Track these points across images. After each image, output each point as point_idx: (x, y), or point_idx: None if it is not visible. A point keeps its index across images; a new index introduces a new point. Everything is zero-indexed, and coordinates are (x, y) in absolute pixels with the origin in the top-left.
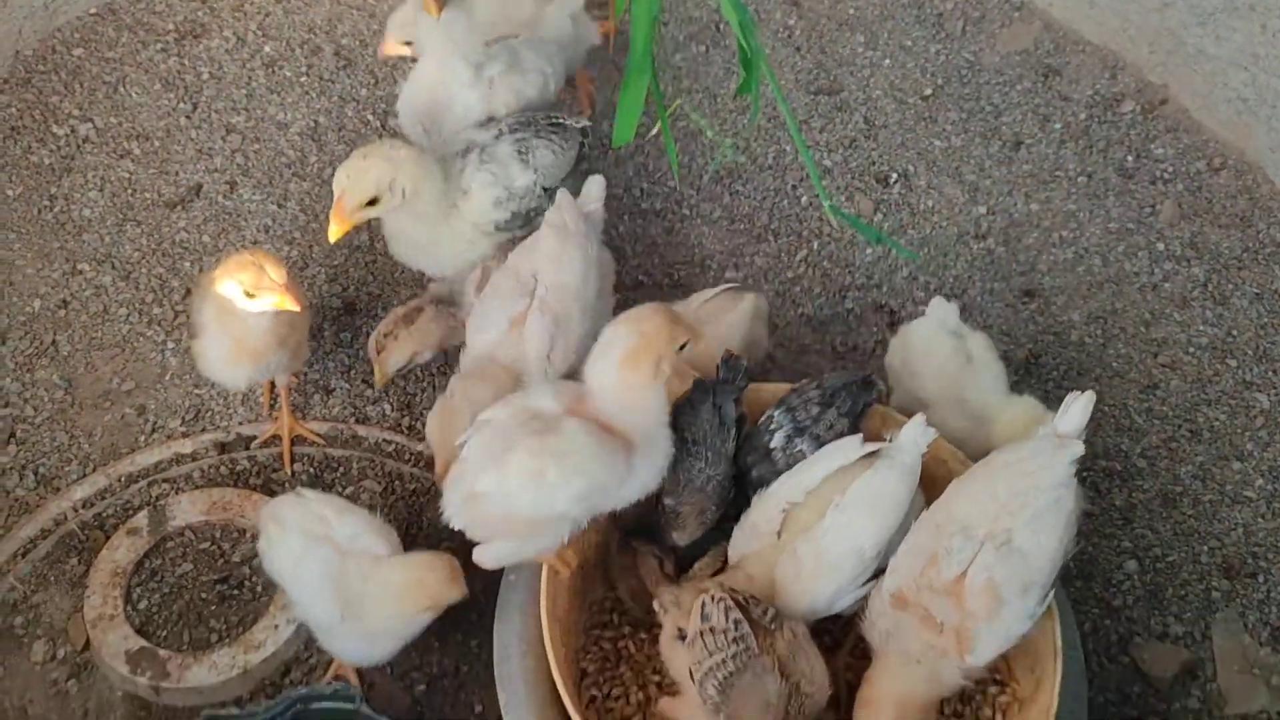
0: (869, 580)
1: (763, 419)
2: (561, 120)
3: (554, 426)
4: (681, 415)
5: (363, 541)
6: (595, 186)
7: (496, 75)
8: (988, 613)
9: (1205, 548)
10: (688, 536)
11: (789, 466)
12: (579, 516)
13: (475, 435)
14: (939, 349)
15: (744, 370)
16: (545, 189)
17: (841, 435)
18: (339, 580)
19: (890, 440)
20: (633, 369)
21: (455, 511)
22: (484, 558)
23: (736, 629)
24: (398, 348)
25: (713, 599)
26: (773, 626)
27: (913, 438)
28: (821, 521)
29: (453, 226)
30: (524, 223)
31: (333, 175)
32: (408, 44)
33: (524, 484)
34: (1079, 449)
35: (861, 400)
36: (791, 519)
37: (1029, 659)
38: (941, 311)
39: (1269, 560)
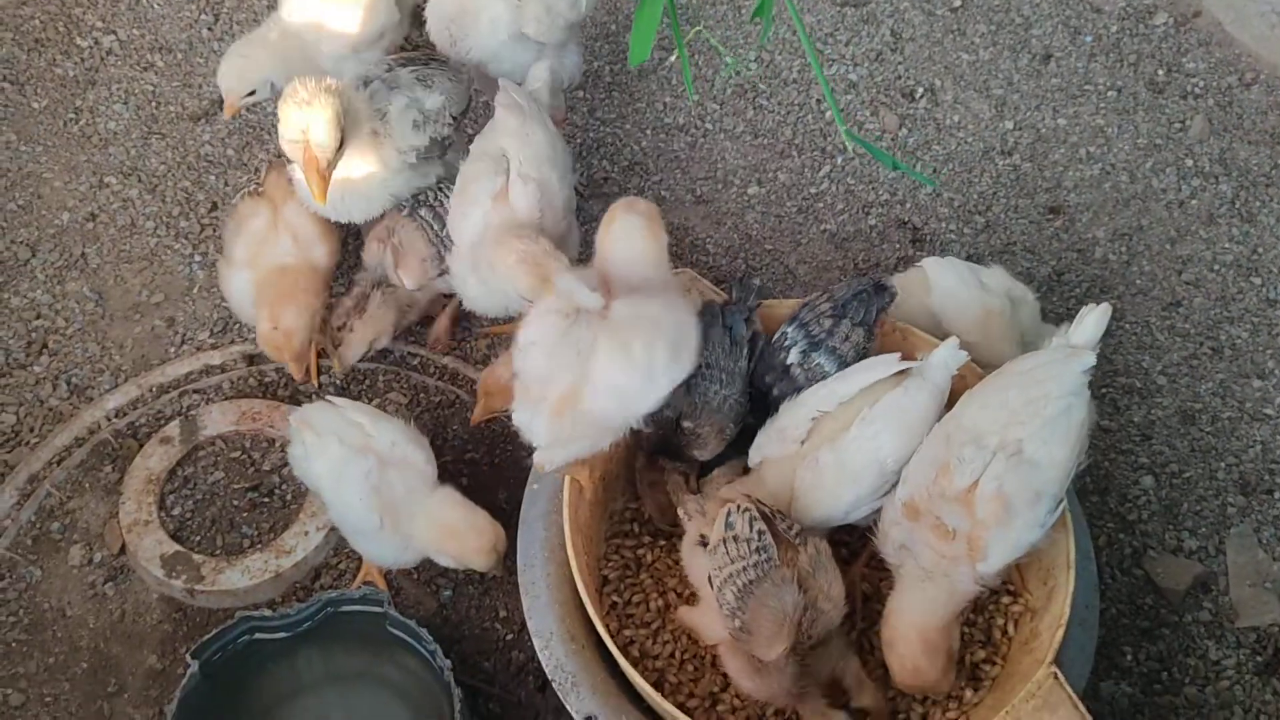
0: (885, 494)
1: (776, 335)
2: (444, 58)
3: (631, 312)
4: None
5: (401, 450)
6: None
7: None
8: (998, 521)
9: (1222, 464)
10: (710, 453)
11: (809, 382)
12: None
13: (529, 355)
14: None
15: (755, 290)
16: (453, 116)
17: (859, 345)
18: (380, 488)
19: (920, 359)
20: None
21: (538, 427)
22: (551, 459)
23: (760, 539)
24: (354, 339)
25: (738, 508)
26: (796, 541)
27: (944, 359)
28: (847, 431)
29: (380, 155)
30: (441, 151)
31: None
32: None
33: (631, 371)
34: (1090, 359)
35: (875, 306)
36: (817, 428)
37: (1042, 570)
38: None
39: None
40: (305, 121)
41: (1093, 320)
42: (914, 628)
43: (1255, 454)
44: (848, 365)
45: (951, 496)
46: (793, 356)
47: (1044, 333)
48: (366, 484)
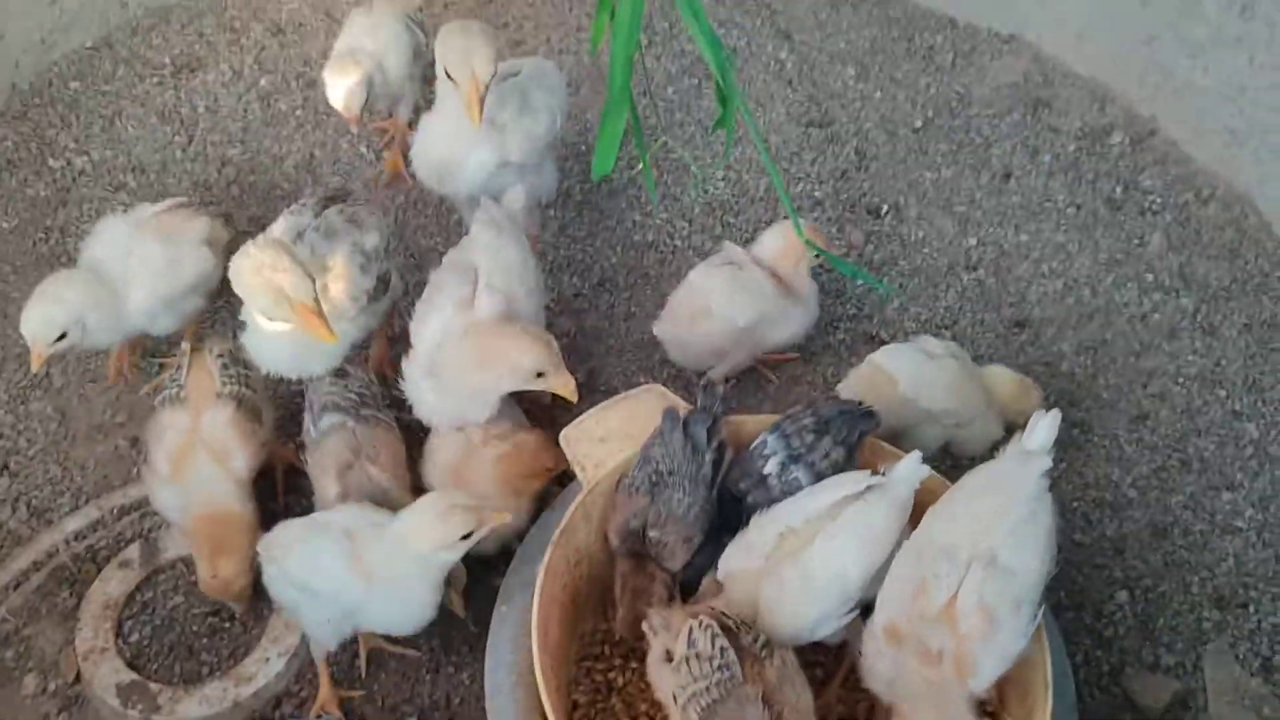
0: (851, 611)
1: (755, 443)
2: (352, 193)
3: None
4: (653, 448)
5: (365, 518)
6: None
7: (509, 120)
8: (982, 634)
9: (1196, 578)
10: (679, 563)
11: (785, 494)
12: None
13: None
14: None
15: (719, 397)
16: (386, 250)
17: (837, 464)
18: (351, 557)
19: (884, 473)
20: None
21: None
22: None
23: (722, 656)
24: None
25: (700, 624)
26: (763, 654)
27: (907, 473)
28: (810, 546)
29: (334, 307)
30: (385, 288)
31: None
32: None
33: None
34: (1047, 461)
35: (859, 429)
36: (781, 543)
37: (1020, 689)
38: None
39: (1260, 591)
40: (279, 282)
41: (1045, 426)
42: None
43: (1229, 567)
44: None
45: (932, 616)
46: (770, 466)
47: (989, 375)
48: (337, 556)
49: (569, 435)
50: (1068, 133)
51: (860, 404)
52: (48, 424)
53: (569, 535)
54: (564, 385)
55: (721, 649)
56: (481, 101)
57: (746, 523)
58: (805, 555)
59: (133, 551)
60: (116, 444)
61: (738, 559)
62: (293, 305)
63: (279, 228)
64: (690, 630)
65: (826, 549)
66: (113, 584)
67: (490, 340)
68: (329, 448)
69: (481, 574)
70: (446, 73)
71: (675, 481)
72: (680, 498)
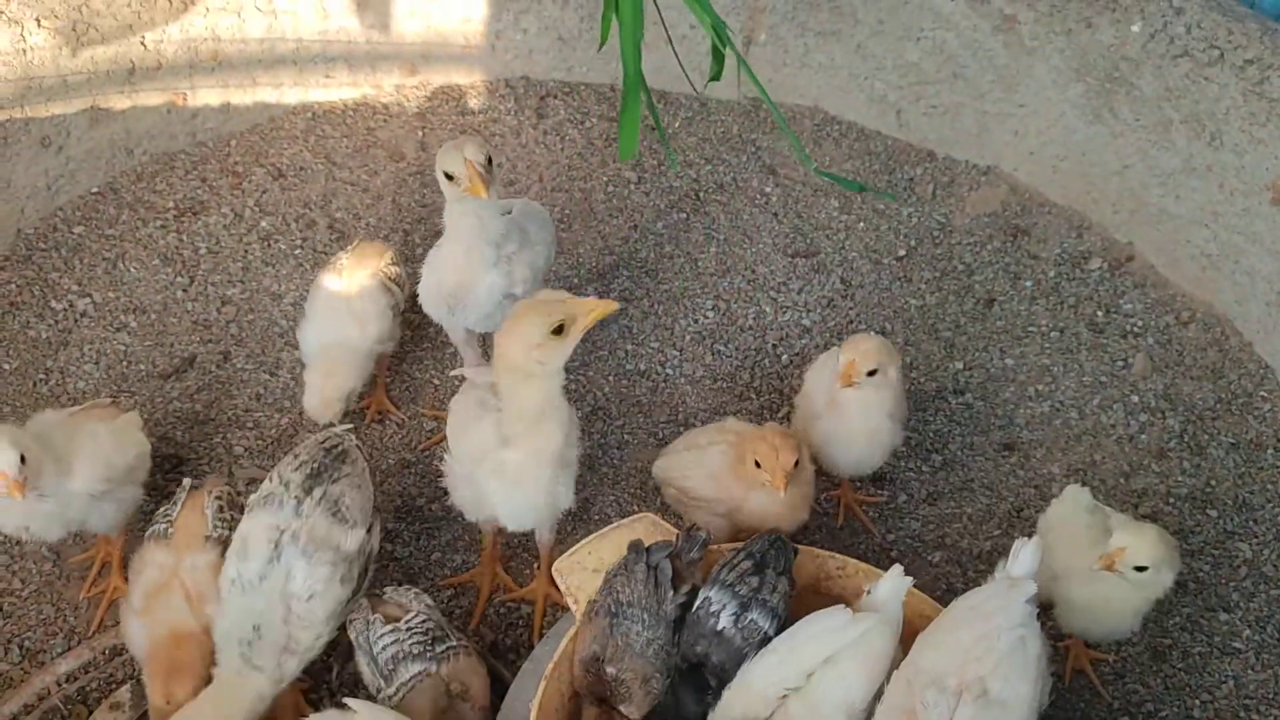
0: None
1: (698, 604)
2: (339, 443)
3: None
4: (616, 578)
5: None
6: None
7: (513, 252)
8: None
9: (1197, 701)
10: (638, 711)
11: (747, 642)
12: None
13: None
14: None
15: (701, 542)
16: (369, 530)
17: (786, 594)
18: None
19: (869, 592)
20: None
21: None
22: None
23: None
24: None
25: None
26: None
27: (892, 590)
28: (812, 679)
29: (299, 639)
30: (363, 583)
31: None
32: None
33: None
34: (1032, 587)
35: (789, 551)
36: (784, 703)
37: None
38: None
39: (1260, 713)
40: None
41: (1028, 553)
42: None
43: (1229, 689)
44: (781, 618)
45: None
46: (724, 620)
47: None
48: None
49: (561, 567)
50: (1047, 259)
51: (771, 532)
52: (41, 564)
53: (562, 669)
54: None
55: None
56: (484, 180)
57: (713, 685)
58: (808, 688)
59: (124, 694)
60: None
61: (738, 705)
62: None
63: (258, 528)
64: None
65: (830, 677)
66: None
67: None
68: (419, 704)
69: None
70: (446, 174)
71: (633, 614)
72: (639, 630)
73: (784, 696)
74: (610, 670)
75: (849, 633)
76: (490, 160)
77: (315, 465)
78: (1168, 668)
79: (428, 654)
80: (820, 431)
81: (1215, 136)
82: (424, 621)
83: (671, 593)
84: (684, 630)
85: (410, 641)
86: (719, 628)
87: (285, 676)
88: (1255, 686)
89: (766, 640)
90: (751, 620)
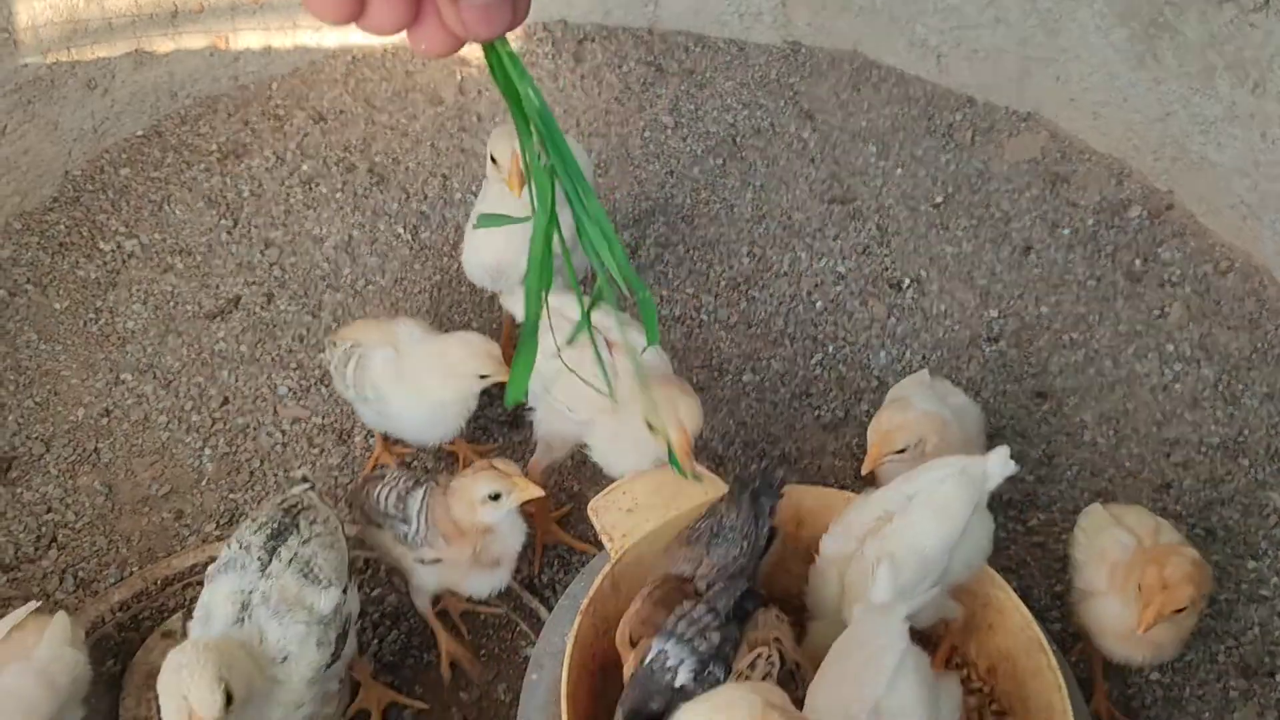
0: (933, 586)
1: (650, 657)
2: (299, 502)
3: None
4: (721, 504)
5: None
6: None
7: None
8: None
9: (1222, 647)
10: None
11: None
12: None
13: None
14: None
15: (781, 480)
16: (345, 590)
17: (736, 642)
18: None
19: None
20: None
21: None
22: None
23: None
24: None
25: (765, 657)
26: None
27: (995, 466)
28: (888, 524)
29: (279, 699)
30: (343, 643)
31: (365, 286)
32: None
33: None
34: (902, 610)
35: (746, 601)
36: (878, 525)
37: None
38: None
39: None
40: (184, 687)
41: (884, 577)
42: None
43: (1254, 636)
44: (730, 666)
45: None
46: (683, 677)
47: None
48: None
49: (596, 506)
50: (1086, 207)
51: (746, 586)
52: (95, 497)
53: (597, 604)
54: None
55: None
56: (522, 177)
57: None
58: (885, 531)
59: (176, 622)
60: (161, 516)
61: (836, 543)
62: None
63: (220, 594)
64: (755, 656)
65: (905, 524)
66: (156, 654)
67: None
68: (440, 515)
69: (511, 642)
70: (492, 157)
71: (733, 538)
72: (735, 554)
73: (879, 518)
74: (700, 586)
75: (929, 475)
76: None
77: (275, 525)
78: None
79: (420, 479)
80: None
81: (1259, 84)
82: (400, 471)
83: (767, 525)
84: (632, 686)
85: (400, 480)
86: (678, 684)
87: None
88: None
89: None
90: (712, 675)
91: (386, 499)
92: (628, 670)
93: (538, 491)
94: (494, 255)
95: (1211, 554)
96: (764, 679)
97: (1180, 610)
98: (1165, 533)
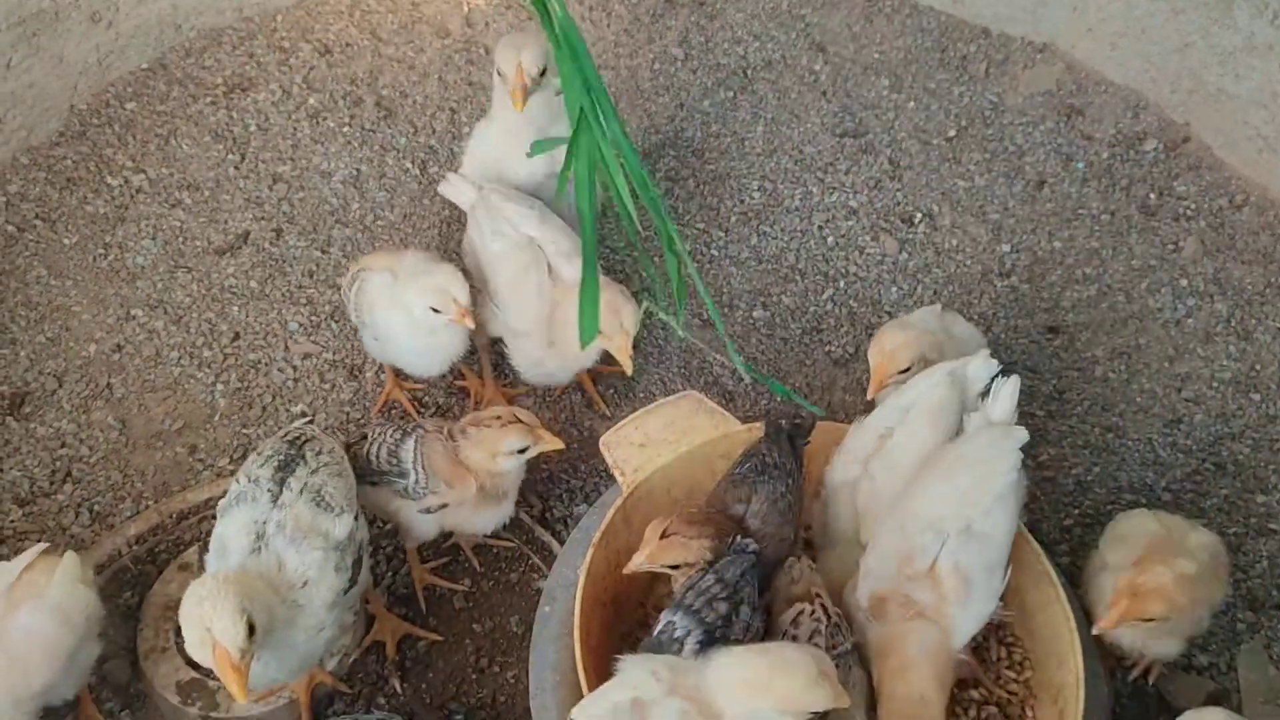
0: None
1: (660, 626)
2: (302, 434)
3: None
4: (763, 444)
5: None
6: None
7: (560, 133)
8: (959, 596)
9: (1231, 580)
10: (772, 554)
11: None
12: None
13: None
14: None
15: (812, 426)
16: (356, 518)
17: (757, 632)
18: None
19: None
20: None
21: None
22: None
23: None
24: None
25: (809, 613)
26: (836, 661)
27: (977, 370)
28: (890, 439)
29: (303, 622)
30: (359, 569)
31: (374, 221)
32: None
33: None
34: (1024, 433)
35: (758, 575)
36: (881, 444)
37: (1052, 690)
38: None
39: None
40: (206, 619)
41: (1006, 394)
42: (925, 655)
43: (1262, 569)
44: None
45: (916, 577)
46: (688, 650)
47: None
48: None
49: (608, 440)
50: (1101, 140)
51: (750, 550)
52: (109, 432)
53: (609, 538)
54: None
55: (814, 645)
56: (525, 91)
57: None
58: (887, 447)
59: (192, 555)
60: (175, 451)
61: (841, 470)
62: (215, 651)
63: (234, 526)
64: (799, 613)
65: (904, 434)
66: (173, 585)
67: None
68: (437, 460)
69: (523, 575)
70: (498, 70)
71: (778, 475)
72: (781, 490)
73: (881, 436)
74: (753, 524)
75: (920, 385)
76: (545, 70)
77: (281, 458)
78: None
79: (407, 429)
80: None
81: (1278, 14)
82: (385, 424)
83: (802, 464)
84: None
85: (387, 434)
86: (684, 656)
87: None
88: None
89: None
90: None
91: (378, 455)
92: (637, 558)
93: (559, 444)
94: (496, 158)
95: (1220, 489)
96: (811, 637)
97: (1148, 620)
98: (1195, 536)
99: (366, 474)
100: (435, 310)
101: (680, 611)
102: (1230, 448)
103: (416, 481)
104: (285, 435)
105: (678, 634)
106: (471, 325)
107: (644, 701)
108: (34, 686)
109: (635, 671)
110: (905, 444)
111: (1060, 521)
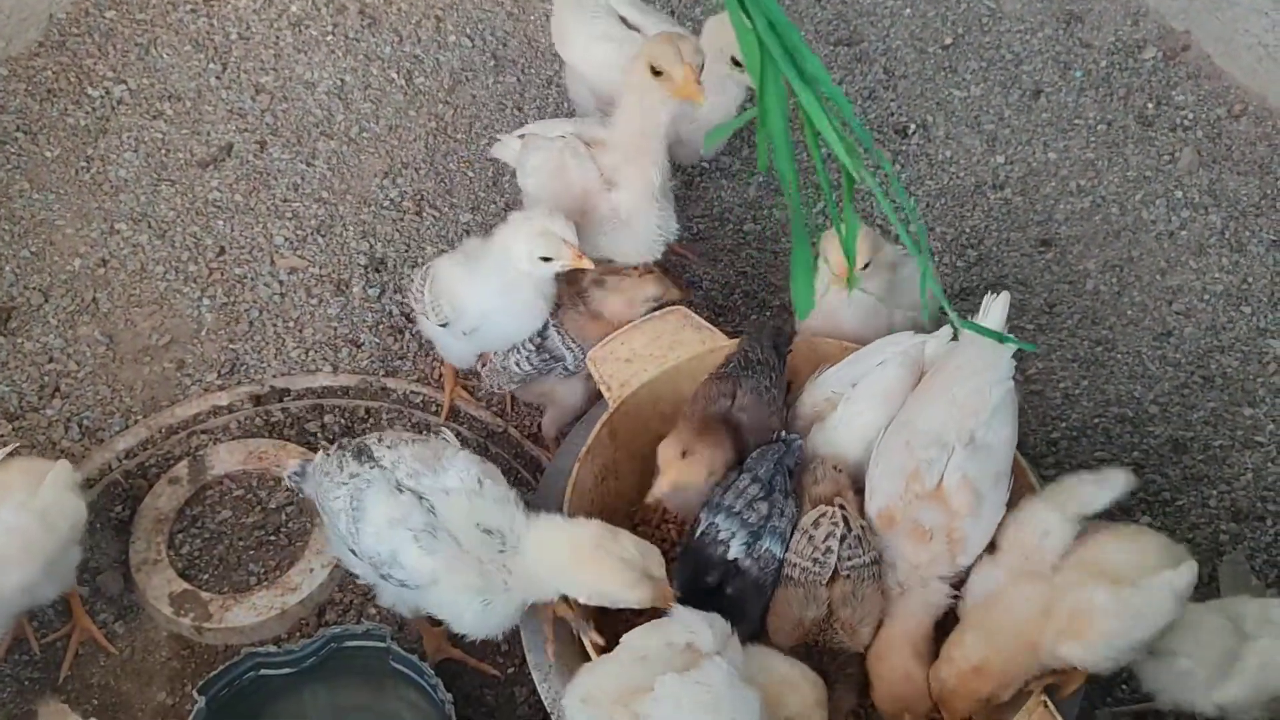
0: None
1: (702, 529)
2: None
3: None
4: (746, 341)
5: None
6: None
7: None
8: (970, 509)
9: (1215, 492)
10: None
11: (764, 572)
12: None
13: None
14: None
15: (790, 336)
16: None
17: (792, 516)
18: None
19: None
20: None
21: None
22: None
23: (825, 555)
24: None
25: (829, 516)
26: (846, 573)
27: (935, 345)
28: (830, 417)
29: None
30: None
31: (359, 133)
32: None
33: None
34: (1013, 345)
35: (790, 463)
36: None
37: None
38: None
39: (1278, 504)
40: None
41: (997, 307)
42: (904, 637)
43: (1247, 481)
44: (787, 540)
45: (924, 495)
46: (735, 550)
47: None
48: None
49: (595, 356)
50: (1100, 48)
51: (783, 440)
52: (96, 347)
53: (595, 453)
54: None
55: (828, 549)
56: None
57: (736, 610)
58: (831, 420)
59: (182, 469)
60: (163, 366)
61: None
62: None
63: (394, 510)
64: (820, 515)
65: (850, 411)
66: (163, 499)
67: None
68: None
69: (516, 488)
70: (653, 69)
71: (762, 371)
72: (766, 385)
73: (828, 399)
74: (741, 416)
75: (870, 359)
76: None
77: (351, 450)
78: (1187, 459)
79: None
80: None
81: None
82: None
83: (785, 364)
84: (685, 560)
85: (521, 345)
86: (731, 557)
87: None
88: (1274, 479)
89: (781, 566)
90: (766, 549)
91: (528, 362)
92: (662, 484)
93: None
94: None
95: (1207, 401)
96: (825, 541)
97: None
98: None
99: (530, 381)
100: (545, 260)
101: (722, 513)
102: (1219, 360)
103: (576, 358)
104: (336, 448)
105: (721, 535)
106: (590, 265)
107: None
108: (11, 582)
109: None
110: (851, 421)
111: (1048, 435)
